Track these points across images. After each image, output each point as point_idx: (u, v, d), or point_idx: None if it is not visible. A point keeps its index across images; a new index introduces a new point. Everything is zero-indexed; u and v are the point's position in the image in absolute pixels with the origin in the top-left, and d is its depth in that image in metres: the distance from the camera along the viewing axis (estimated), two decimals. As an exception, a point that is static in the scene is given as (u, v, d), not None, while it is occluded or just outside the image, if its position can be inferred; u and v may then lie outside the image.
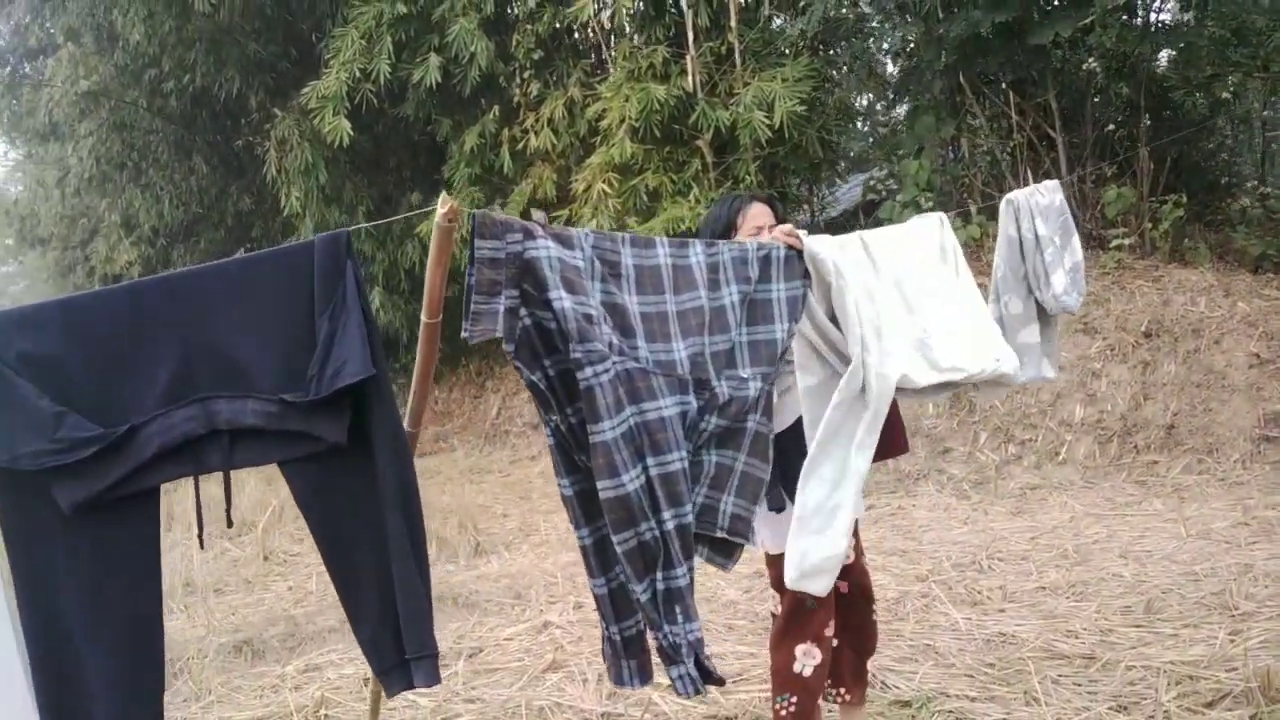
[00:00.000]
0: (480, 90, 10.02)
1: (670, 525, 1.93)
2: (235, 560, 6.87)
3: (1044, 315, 3.11)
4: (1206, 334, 6.39)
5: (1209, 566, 4.23)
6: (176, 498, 8.50)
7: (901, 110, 11.58)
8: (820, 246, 2.45)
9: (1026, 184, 3.00)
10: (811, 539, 2.30)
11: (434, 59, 9.62)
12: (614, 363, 1.89)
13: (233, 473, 1.94)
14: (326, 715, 3.74)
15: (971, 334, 2.62)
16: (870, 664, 3.11)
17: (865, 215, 10.20)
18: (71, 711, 1.83)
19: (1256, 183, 9.74)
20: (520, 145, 9.81)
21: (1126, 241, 7.38)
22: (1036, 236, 2.97)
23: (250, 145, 12.49)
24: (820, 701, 2.81)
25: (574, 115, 9.50)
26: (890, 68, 12.14)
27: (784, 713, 2.69)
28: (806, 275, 2.33)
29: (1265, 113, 10.04)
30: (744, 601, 4.67)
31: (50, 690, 1.82)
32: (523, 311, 1.84)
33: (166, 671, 4.73)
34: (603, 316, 1.91)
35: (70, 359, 1.80)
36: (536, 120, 9.65)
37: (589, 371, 1.83)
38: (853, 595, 2.82)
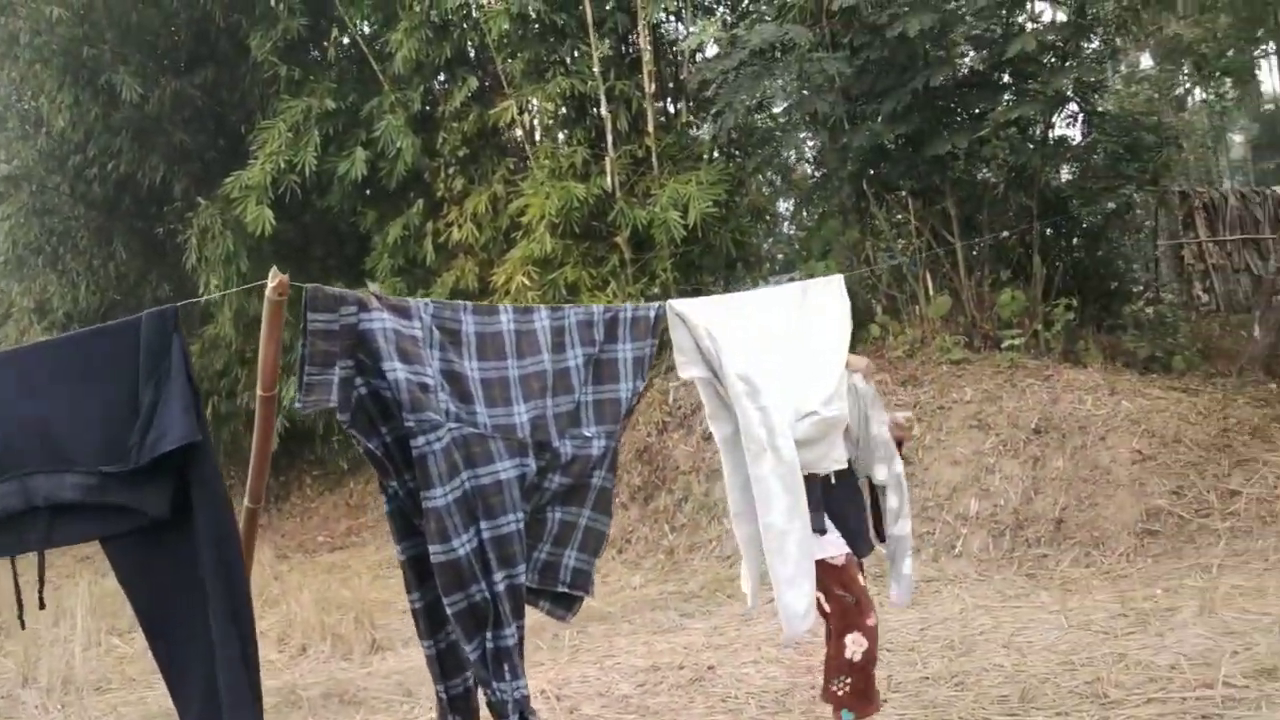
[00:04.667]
0: (405, 184, 10.19)
1: (501, 586, 1.99)
2: (122, 657, 6.59)
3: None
4: (1093, 431, 6.62)
5: (1085, 656, 4.31)
6: (63, 593, 8.16)
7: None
8: (688, 309, 2.61)
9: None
10: (792, 592, 2.79)
11: (360, 153, 9.80)
12: (449, 430, 1.95)
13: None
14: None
15: (811, 380, 2.83)
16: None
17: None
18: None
19: (1143, 287, 10.28)
20: (443, 238, 9.95)
21: (1019, 342, 7.70)
22: None
23: (172, 232, 12.44)
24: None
25: (497, 210, 9.70)
26: (810, 173, 12.67)
27: (840, 693, 3.26)
28: (653, 335, 2.44)
29: (1151, 223, 10.67)
30: (636, 696, 4.63)
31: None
32: (358, 381, 1.90)
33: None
34: (440, 384, 1.97)
35: None
36: (460, 214, 9.82)
37: (421, 440, 1.89)
38: None
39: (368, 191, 10.65)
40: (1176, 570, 5.48)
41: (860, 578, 3.32)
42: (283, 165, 9.76)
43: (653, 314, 2.48)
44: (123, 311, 13.57)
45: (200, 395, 1.92)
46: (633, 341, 2.41)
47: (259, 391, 1.99)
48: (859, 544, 3.32)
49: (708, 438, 8.01)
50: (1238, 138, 24.05)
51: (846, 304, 3.10)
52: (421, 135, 9.91)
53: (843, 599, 3.20)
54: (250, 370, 11.58)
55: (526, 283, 8.87)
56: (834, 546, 3.19)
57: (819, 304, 3.05)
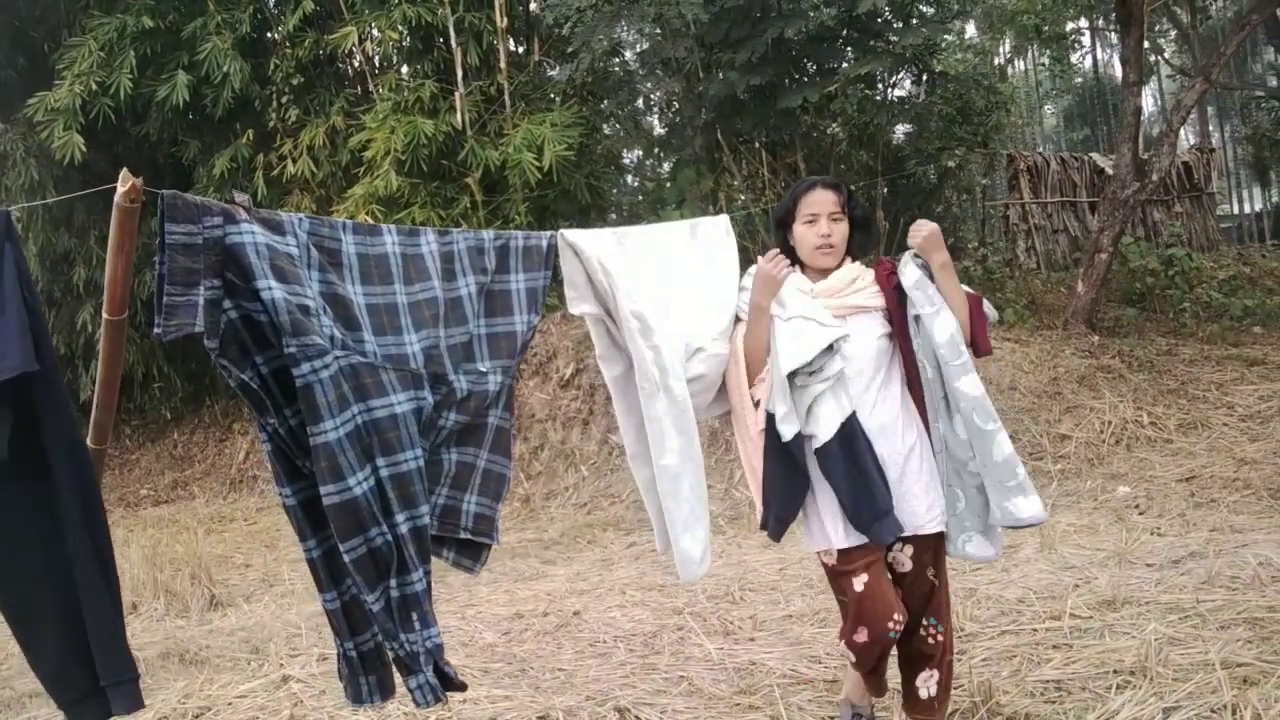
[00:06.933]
0: (233, 113, 9.47)
1: (404, 529, 1.80)
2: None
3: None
4: (936, 378, 6.91)
5: (938, 592, 4.49)
6: None
7: (667, 166, 12.00)
8: (581, 240, 2.46)
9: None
10: (687, 537, 2.48)
11: (182, 77, 9.03)
12: (336, 357, 1.74)
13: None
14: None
15: (701, 318, 2.70)
16: (627, 700, 3.34)
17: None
18: None
19: (977, 244, 10.81)
20: (276, 172, 9.33)
21: (867, 293, 7.91)
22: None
23: (-38, 159, 11.21)
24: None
25: (336, 144, 9.16)
26: (657, 127, 12.61)
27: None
28: (547, 266, 2.28)
29: (984, 182, 11.21)
30: (501, 644, 4.51)
31: None
32: (227, 303, 1.66)
33: None
34: (322, 308, 1.75)
35: None
36: (295, 147, 9.22)
37: (306, 368, 1.67)
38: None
39: (191, 119, 9.85)
40: (1013, 509, 5.79)
41: (855, 581, 2.53)
42: (94, 87, 8.90)
43: (545, 243, 2.32)
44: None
45: (44, 317, 1.64)
46: (525, 272, 2.24)
47: (106, 315, 1.72)
48: (869, 519, 2.46)
49: (564, 385, 7.90)
50: (1049, 109, 25.66)
51: (734, 243, 3.02)
52: (251, 60, 9.23)
53: (842, 601, 2.65)
54: (59, 311, 10.63)
55: (370, 222, 8.43)
56: (819, 539, 2.58)
57: (708, 242, 2.97)
